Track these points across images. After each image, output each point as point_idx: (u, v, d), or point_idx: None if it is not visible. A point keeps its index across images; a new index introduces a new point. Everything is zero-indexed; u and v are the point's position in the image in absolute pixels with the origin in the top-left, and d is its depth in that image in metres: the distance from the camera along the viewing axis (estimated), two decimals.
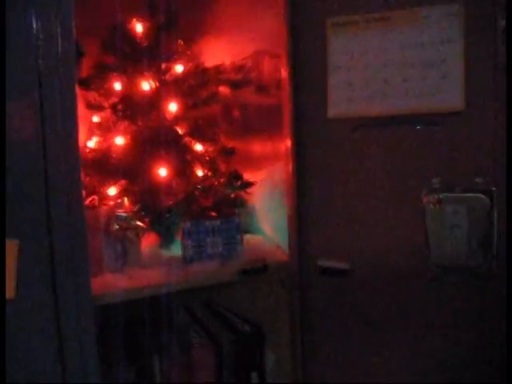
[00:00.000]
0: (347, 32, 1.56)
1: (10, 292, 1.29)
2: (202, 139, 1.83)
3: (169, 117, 1.78)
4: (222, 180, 1.80)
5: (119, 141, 1.73)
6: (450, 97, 1.47)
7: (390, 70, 1.52)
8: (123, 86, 1.77)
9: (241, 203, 1.81)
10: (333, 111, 1.60)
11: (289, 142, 1.68)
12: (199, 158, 1.80)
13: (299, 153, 1.67)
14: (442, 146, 1.49)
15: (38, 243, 1.31)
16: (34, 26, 1.27)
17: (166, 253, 1.75)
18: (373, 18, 1.53)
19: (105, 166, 1.70)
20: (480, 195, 1.45)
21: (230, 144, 1.87)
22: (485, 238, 1.45)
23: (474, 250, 1.46)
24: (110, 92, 1.77)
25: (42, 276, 1.32)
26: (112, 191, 1.68)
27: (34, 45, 1.27)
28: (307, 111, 1.64)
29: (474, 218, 1.46)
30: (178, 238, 1.73)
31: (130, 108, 1.75)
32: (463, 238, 1.47)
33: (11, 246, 1.29)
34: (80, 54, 1.53)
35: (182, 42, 1.82)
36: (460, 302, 1.51)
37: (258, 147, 1.91)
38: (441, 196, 1.49)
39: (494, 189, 1.43)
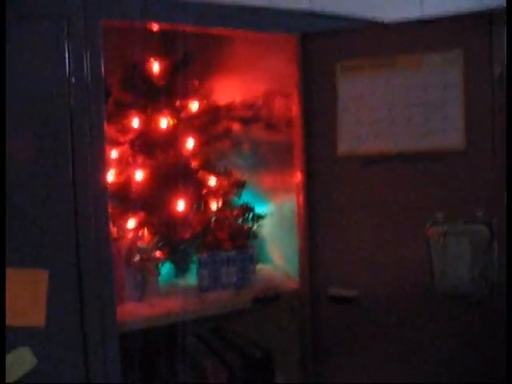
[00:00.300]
0: (355, 75, 1.65)
1: (40, 320, 1.35)
2: (214, 173, 1.92)
3: (185, 152, 1.86)
4: (235, 212, 1.88)
5: (138, 175, 1.80)
6: (452, 137, 1.55)
7: (396, 111, 1.62)
8: (141, 123, 1.84)
9: (253, 235, 1.89)
10: (342, 149, 1.68)
11: (299, 176, 1.76)
12: (213, 192, 1.88)
13: (309, 187, 1.74)
14: (444, 183, 1.57)
15: (66, 273, 1.38)
16: (67, 68, 1.36)
17: (182, 282, 1.82)
18: (379, 63, 1.63)
19: (124, 198, 1.77)
20: (481, 227, 1.52)
21: (242, 178, 1.94)
22: (486, 268, 1.52)
23: (476, 279, 1.54)
24: (127, 128, 1.84)
25: (70, 305, 1.39)
26: (131, 223, 1.75)
27: (67, 86, 1.36)
28: (317, 148, 1.72)
29: (475, 248, 1.53)
30: (193, 268, 1.81)
31: (147, 144, 1.82)
32: (466, 267, 1.55)
33: (41, 276, 1.35)
34: (107, 94, 1.61)
35: (196, 82, 1.92)
36: (463, 328, 1.58)
37: (268, 181, 1.98)
38: (444, 228, 1.56)
39: (494, 221, 1.51)
